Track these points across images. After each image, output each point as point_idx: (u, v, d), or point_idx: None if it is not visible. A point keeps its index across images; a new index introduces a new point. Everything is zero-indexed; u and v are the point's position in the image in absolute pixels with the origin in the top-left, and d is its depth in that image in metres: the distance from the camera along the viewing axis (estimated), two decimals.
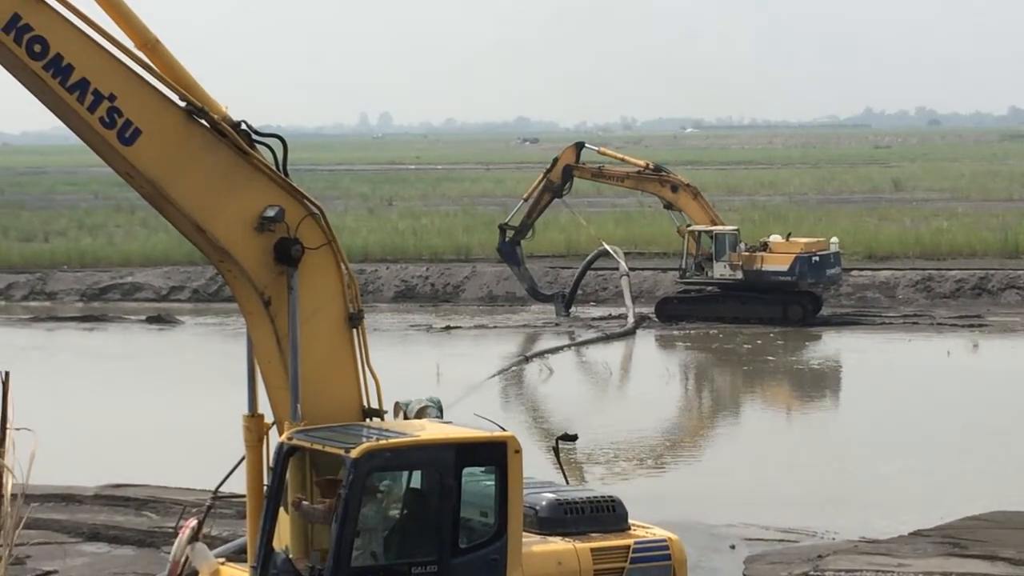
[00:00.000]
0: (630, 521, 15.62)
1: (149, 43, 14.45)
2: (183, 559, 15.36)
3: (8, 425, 15.06)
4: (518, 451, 14.48)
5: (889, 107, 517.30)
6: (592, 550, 14.97)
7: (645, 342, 54.49)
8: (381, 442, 14.04)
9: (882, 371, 46.78)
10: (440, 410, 15.78)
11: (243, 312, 15.18)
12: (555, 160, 61.54)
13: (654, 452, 35.20)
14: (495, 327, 57.47)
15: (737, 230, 59.12)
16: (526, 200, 61.36)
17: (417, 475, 14.61)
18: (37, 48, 13.80)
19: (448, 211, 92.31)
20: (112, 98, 14.08)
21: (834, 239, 59.81)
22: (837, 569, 23.16)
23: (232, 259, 14.67)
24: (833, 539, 25.70)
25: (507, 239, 60.74)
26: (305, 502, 14.35)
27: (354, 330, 15.18)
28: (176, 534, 15.56)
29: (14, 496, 15.20)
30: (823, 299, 59.01)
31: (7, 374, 14.98)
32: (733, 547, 24.91)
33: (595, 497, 15.63)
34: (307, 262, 14.77)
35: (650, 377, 46.75)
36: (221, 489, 15.78)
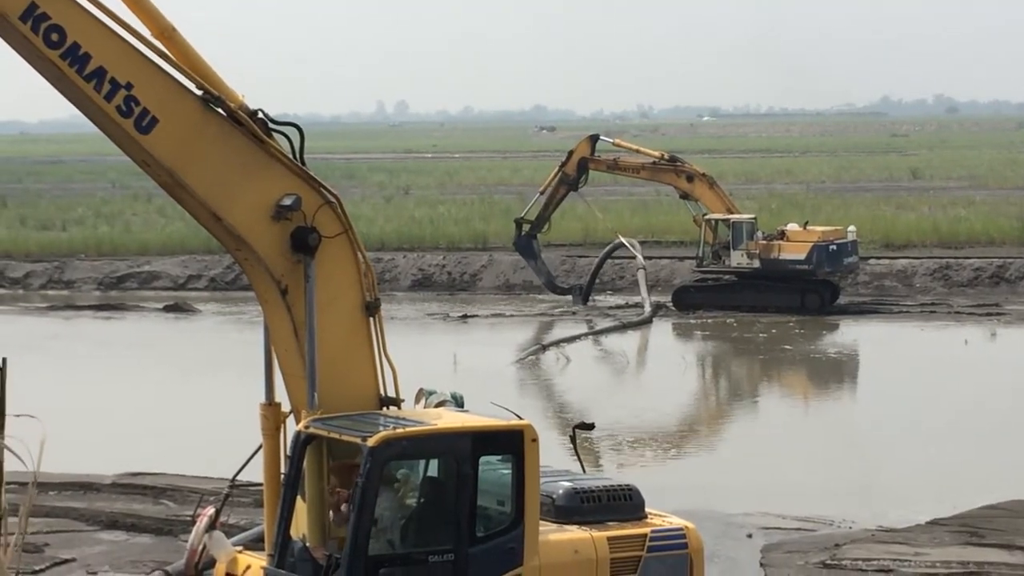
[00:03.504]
0: (647, 510, 15.60)
1: (165, 31, 14.45)
2: (201, 547, 15.38)
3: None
4: (535, 439, 14.46)
5: (907, 95, 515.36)
6: (609, 538, 14.96)
7: (662, 331, 54.44)
8: (398, 431, 14.04)
9: (899, 360, 46.69)
10: (461, 405, 15.76)
11: (260, 301, 15.18)
12: (570, 153, 61.50)
13: (671, 441, 35.19)
14: (512, 316, 57.47)
15: (754, 218, 59.03)
16: (542, 193, 61.27)
17: (434, 463, 14.61)
18: (54, 37, 13.81)
19: (465, 199, 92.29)
20: (129, 87, 14.08)
21: (851, 228, 59.68)
22: (854, 558, 23.12)
23: (248, 247, 14.68)
24: (850, 528, 25.67)
25: (523, 233, 60.67)
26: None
27: (371, 318, 15.17)
28: (194, 522, 15.58)
29: (23, 484, 15.20)
30: (840, 288, 58.91)
31: (4, 360, 14.95)
32: (750, 536, 24.89)
33: (612, 486, 15.62)
34: (324, 250, 14.77)
35: (667, 366, 46.71)
36: (238, 478, 15.80)
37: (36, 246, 72.97)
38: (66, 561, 22.10)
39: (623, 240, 59.89)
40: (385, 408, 15.09)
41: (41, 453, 14.35)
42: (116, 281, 67.20)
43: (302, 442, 14.47)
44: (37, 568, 21.53)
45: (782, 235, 57.24)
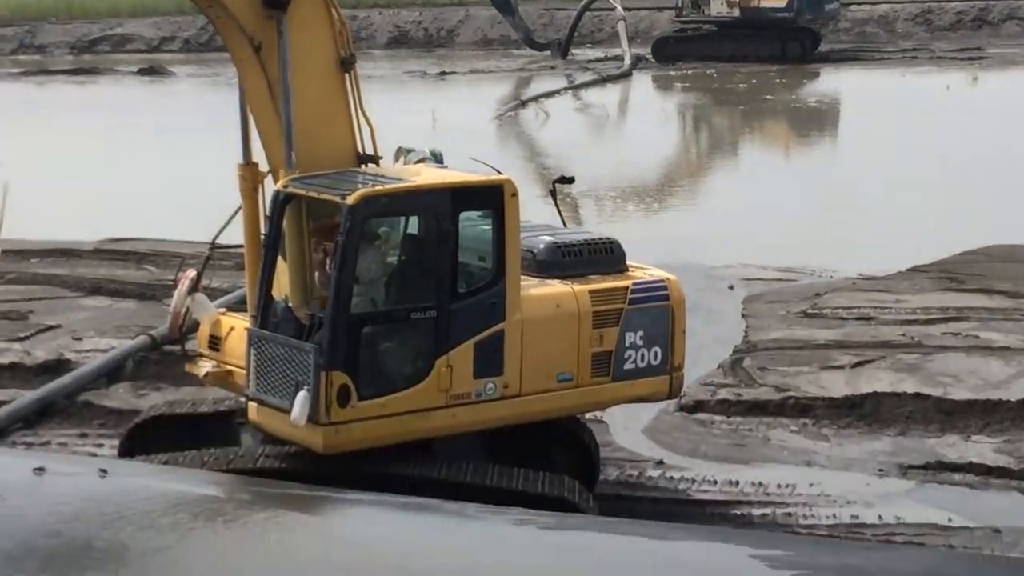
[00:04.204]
0: (628, 262, 15.61)
1: None
2: (183, 311, 15.40)
3: None
4: (515, 194, 14.38)
5: None
6: (590, 292, 14.99)
7: (642, 83, 54.09)
8: (377, 188, 13.93)
9: (880, 107, 46.50)
10: (441, 162, 15.66)
11: (234, 60, 14.93)
12: None
13: (651, 194, 35.18)
14: (490, 72, 56.97)
15: None
16: None
17: (415, 221, 14.54)
18: None
19: None
20: None
21: None
22: (835, 306, 23.29)
23: (220, 3, 14.38)
24: (831, 277, 25.80)
25: None
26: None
27: (347, 75, 14.94)
28: (175, 286, 15.57)
29: None
30: (821, 35, 58.38)
31: None
32: (731, 287, 25.01)
33: (593, 239, 15.60)
34: (296, 5, 14.47)
35: (647, 119, 46.51)
36: (219, 240, 15.73)
37: (5, 9, 71.81)
38: (51, 328, 22.16)
39: None
40: (363, 166, 14.96)
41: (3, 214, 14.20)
42: (88, 45, 66.36)
43: (281, 202, 14.36)
44: (22, 335, 21.61)
45: None
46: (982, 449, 17.32)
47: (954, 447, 17.42)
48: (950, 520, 15.20)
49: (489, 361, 14.34)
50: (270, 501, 8.54)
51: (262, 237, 14.81)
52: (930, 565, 7.21)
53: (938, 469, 16.75)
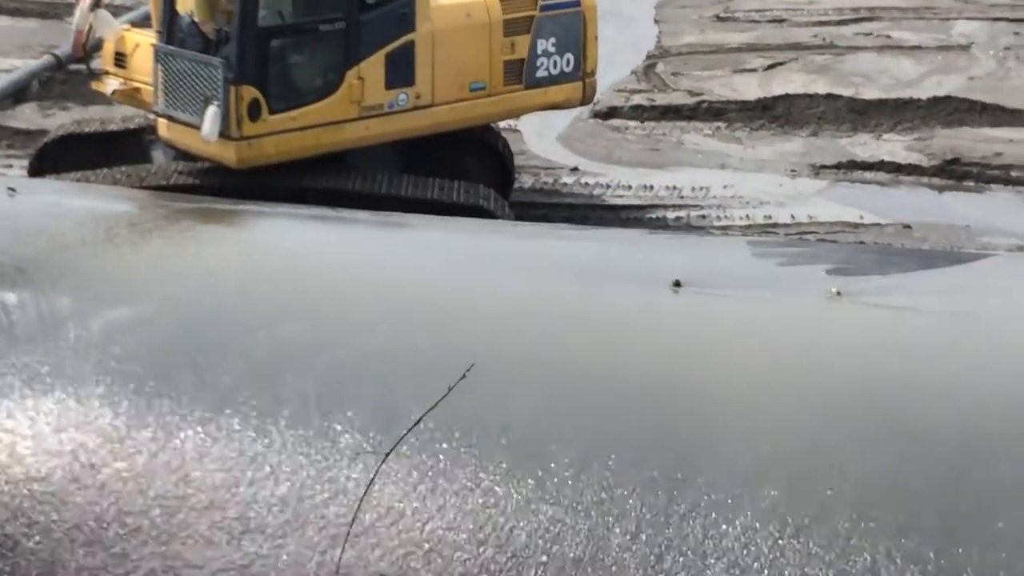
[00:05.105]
0: None
1: None
2: (87, 28, 15.08)
3: None
4: None
5: None
6: (501, 0, 14.82)
7: None
8: None
9: None
10: None
11: None
12: None
13: None
14: None
15: None
16: None
17: None
18: None
19: None
20: None
21: None
22: (747, 9, 23.21)
23: None
24: None
25: None
26: None
27: None
28: (77, 2, 15.22)
29: None
30: None
31: None
32: None
33: None
34: None
35: None
36: None
37: None
38: None
39: None
40: None
41: None
42: None
43: None
44: None
45: None
46: (893, 147, 17.49)
47: (865, 146, 17.58)
48: (861, 218, 15.42)
49: (400, 72, 14.22)
50: (185, 215, 8.49)
51: None
52: (842, 259, 7.32)
53: (850, 168, 16.92)
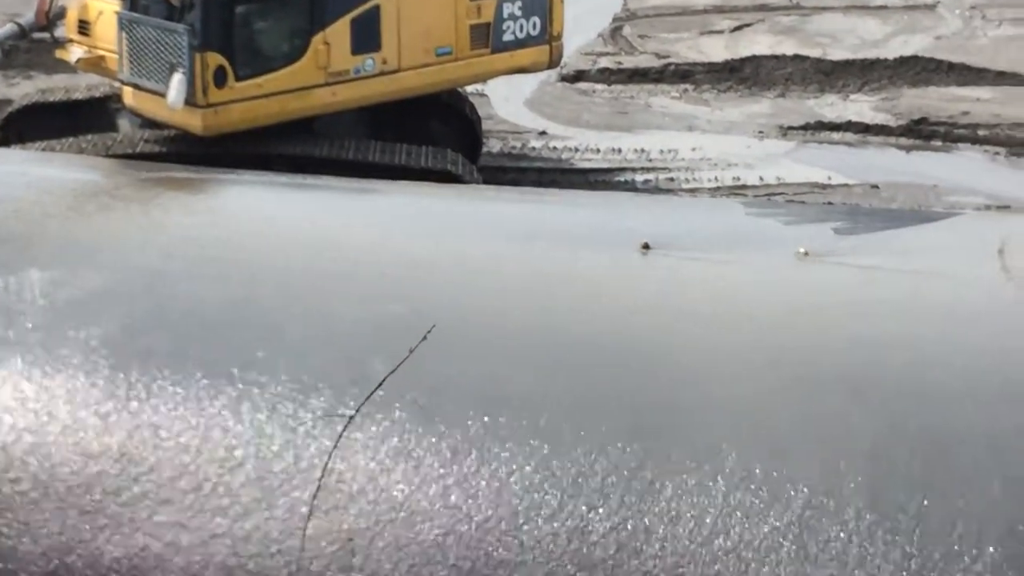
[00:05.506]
0: None
1: None
2: None
3: None
4: None
5: None
6: None
7: None
8: None
9: None
10: None
11: None
12: None
13: None
14: None
15: None
16: None
17: None
18: None
19: None
20: None
21: None
22: None
23: None
24: None
25: None
26: None
27: None
28: None
29: None
30: None
31: None
32: None
33: None
34: None
35: None
36: None
37: None
38: None
39: None
40: None
41: None
42: None
43: None
44: None
45: None
46: (860, 108, 17.51)
47: (833, 107, 17.60)
48: (829, 178, 15.45)
49: (366, 37, 14.18)
50: (153, 183, 8.45)
51: None
52: (810, 219, 7.33)
53: (817, 129, 16.95)
